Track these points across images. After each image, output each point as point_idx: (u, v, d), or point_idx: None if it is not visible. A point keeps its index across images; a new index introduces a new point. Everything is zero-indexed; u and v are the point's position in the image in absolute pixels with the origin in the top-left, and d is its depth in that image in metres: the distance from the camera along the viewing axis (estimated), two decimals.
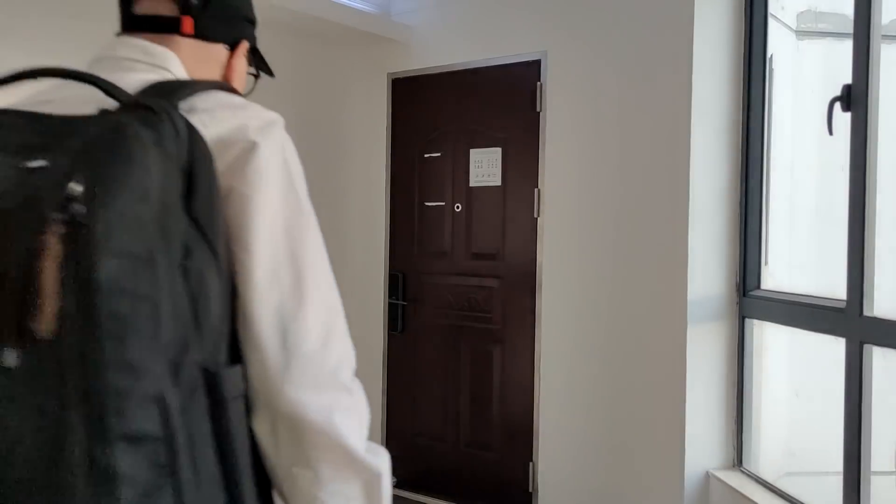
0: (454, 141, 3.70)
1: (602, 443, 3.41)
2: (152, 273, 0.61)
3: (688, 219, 2.55)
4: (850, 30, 1.99)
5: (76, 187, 0.57)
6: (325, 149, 4.01)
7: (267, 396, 0.73)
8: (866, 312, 1.94)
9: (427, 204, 3.69)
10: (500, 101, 3.54)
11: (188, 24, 0.92)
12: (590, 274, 3.40)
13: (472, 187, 3.63)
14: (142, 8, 0.93)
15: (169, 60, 0.90)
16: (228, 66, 0.98)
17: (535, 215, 3.49)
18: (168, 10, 0.92)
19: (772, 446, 2.62)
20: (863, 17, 1.95)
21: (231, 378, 0.70)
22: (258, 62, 1.06)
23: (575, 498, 3.46)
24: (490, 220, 3.58)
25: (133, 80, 0.79)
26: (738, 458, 2.59)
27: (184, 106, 0.74)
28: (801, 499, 2.28)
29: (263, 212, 0.74)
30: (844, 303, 2.01)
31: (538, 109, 3.45)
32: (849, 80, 1.99)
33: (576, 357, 3.45)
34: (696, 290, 2.56)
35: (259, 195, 0.74)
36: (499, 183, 3.56)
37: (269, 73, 1.09)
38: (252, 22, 1.02)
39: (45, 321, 0.55)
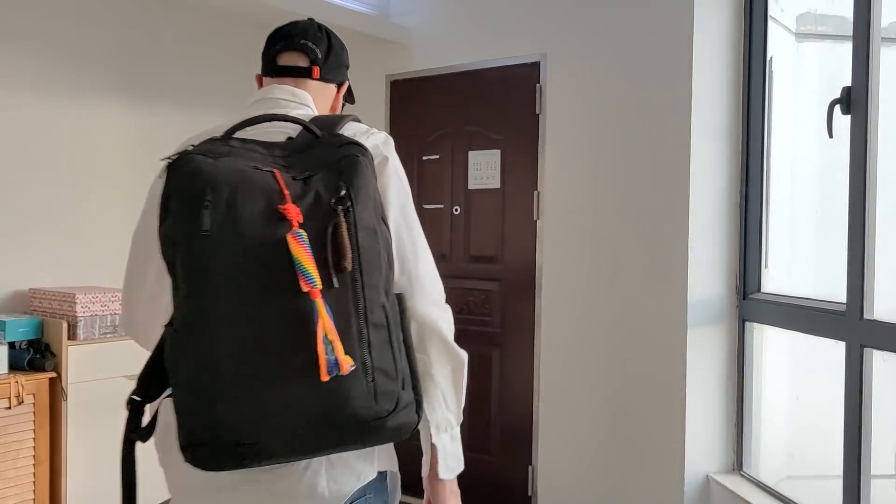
0: (453, 143, 3.69)
1: (602, 446, 3.40)
2: (375, 239, 1.07)
3: (688, 221, 2.54)
4: (850, 32, 1.98)
5: (342, 193, 1.04)
6: None
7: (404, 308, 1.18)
8: (866, 315, 1.94)
9: (426, 206, 3.68)
10: (500, 104, 3.54)
11: (316, 71, 1.38)
12: (590, 277, 3.39)
13: (471, 190, 3.62)
14: (284, 61, 1.38)
15: (308, 99, 1.35)
16: (335, 100, 1.45)
17: (535, 218, 3.48)
18: (303, 62, 1.38)
19: (772, 450, 2.61)
20: (862, 19, 1.94)
21: (403, 299, 1.18)
22: (348, 94, 1.51)
23: (575, 502, 3.45)
24: (489, 223, 3.57)
25: (292, 115, 1.23)
26: (738, 462, 2.58)
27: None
28: (801, 502, 2.27)
29: (391, 199, 1.20)
30: (844, 306, 2.00)
31: (537, 112, 3.44)
32: (848, 82, 1.99)
33: (576, 360, 3.44)
34: (697, 293, 2.55)
35: (389, 189, 1.20)
36: (498, 185, 3.55)
37: (353, 101, 1.55)
38: (348, 67, 1.48)
39: (347, 262, 1.02)
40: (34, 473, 2.51)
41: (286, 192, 1.03)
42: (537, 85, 3.43)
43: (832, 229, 2.15)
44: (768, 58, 2.50)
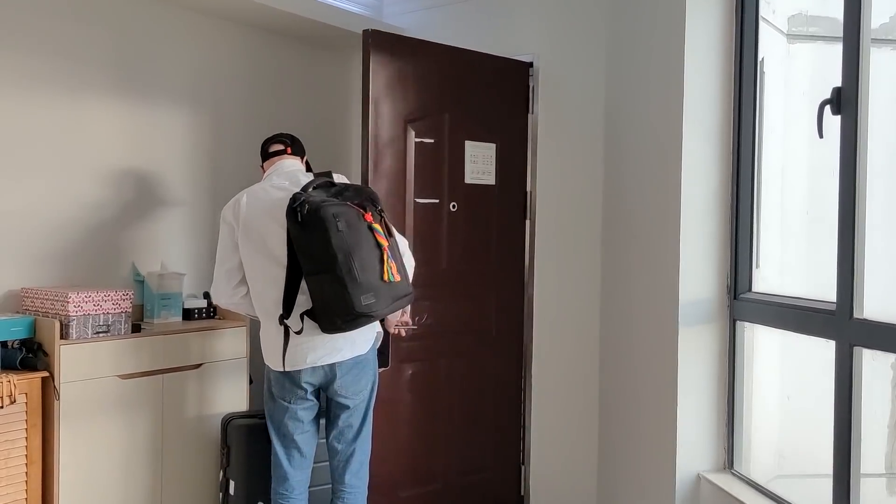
0: (450, 128, 3.63)
1: (593, 445, 3.41)
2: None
3: (679, 222, 2.55)
4: (841, 34, 1.99)
5: (379, 208, 2.39)
6: (319, 150, 4.00)
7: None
8: (856, 315, 1.95)
9: (418, 200, 3.66)
10: (493, 101, 3.50)
11: (289, 150, 2.66)
12: (581, 277, 3.40)
13: (468, 184, 3.55)
14: (271, 148, 2.67)
15: (293, 166, 2.64)
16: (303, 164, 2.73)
17: (526, 217, 3.48)
18: (282, 146, 2.66)
19: (763, 449, 2.62)
20: (852, 20, 1.96)
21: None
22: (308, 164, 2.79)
23: (567, 502, 3.46)
24: (483, 222, 3.55)
25: (290, 171, 2.60)
26: (729, 461, 2.59)
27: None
28: (792, 501, 2.28)
29: None
30: (835, 305, 2.01)
31: (531, 112, 3.45)
32: (839, 83, 2.00)
33: (567, 359, 3.45)
34: (688, 293, 2.56)
35: None
36: (493, 182, 3.47)
37: (310, 170, 2.73)
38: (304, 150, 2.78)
39: (393, 235, 2.40)
40: (26, 473, 2.50)
41: (362, 211, 2.31)
42: (531, 85, 3.44)
43: (823, 229, 2.17)
44: (760, 59, 2.51)
